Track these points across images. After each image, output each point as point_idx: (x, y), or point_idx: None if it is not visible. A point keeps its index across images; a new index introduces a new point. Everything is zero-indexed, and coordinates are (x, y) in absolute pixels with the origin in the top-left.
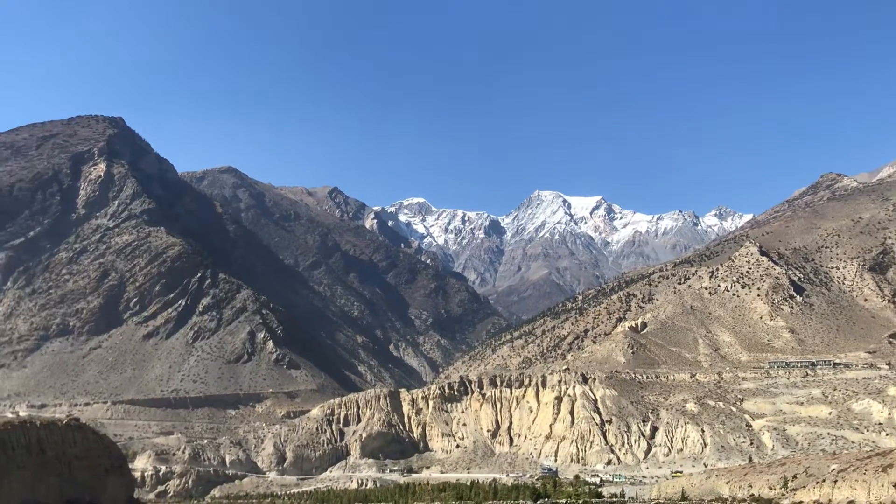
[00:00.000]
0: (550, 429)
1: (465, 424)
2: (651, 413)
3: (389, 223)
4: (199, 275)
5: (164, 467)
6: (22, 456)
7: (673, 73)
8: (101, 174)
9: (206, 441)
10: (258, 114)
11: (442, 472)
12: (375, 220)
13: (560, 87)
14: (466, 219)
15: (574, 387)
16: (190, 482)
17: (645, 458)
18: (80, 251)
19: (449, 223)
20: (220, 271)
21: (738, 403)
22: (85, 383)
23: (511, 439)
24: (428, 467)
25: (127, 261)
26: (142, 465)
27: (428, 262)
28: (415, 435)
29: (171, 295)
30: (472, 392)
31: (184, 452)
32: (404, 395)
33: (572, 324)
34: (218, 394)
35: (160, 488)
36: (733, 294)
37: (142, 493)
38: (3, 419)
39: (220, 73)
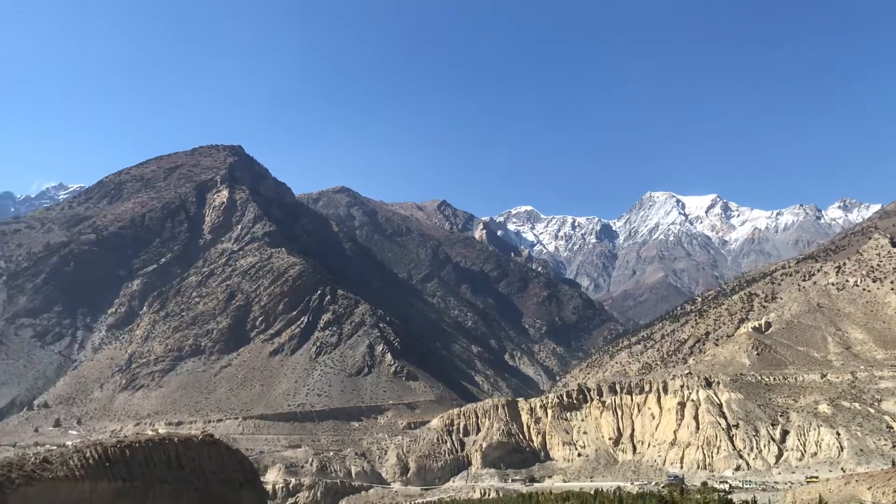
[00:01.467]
0: (674, 435)
1: (585, 432)
2: (780, 416)
3: (499, 233)
4: (319, 292)
5: (293, 480)
6: (163, 471)
7: (782, 63)
8: (224, 201)
9: (331, 453)
10: (368, 134)
11: (564, 481)
12: (485, 231)
13: (668, 86)
14: (577, 224)
15: (697, 391)
16: (318, 494)
17: (776, 463)
18: (208, 275)
19: (559, 230)
20: (338, 288)
21: (876, 404)
22: (217, 400)
23: (634, 447)
24: (550, 476)
25: (252, 282)
26: (272, 478)
27: (539, 269)
28: (535, 444)
29: (294, 312)
30: (592, 399)
31: (311, 465)
32: (522, 404)
33: (692, 326)
34: (341, 406)
35: (290, 500)
36: (864, 289)
37: None
38: (145, 437)
39: (330, 98)
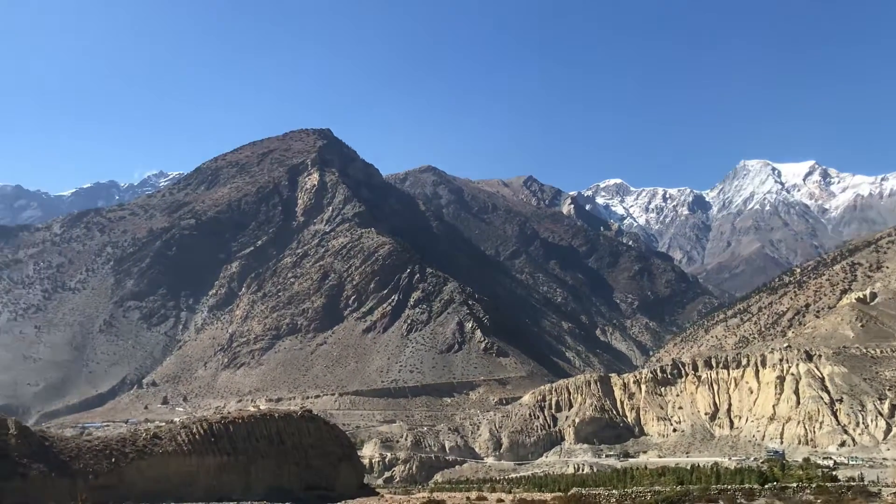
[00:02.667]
0: (774, 410)
1: (680, 408)
2: (888, 390)
3: (587, 207)
4: (409, 270)
5: (389, 454)
6: (265, 445)
7: (882, 17)
8: (315, 183)
9: (425, 428)
10: (453, 112)
11: (659, 457)
12: (572, 206)
13: (759, 50)
14: (668, 196)
15: (797, 365)
16: (414, 468)
17: (884, 438)
18: (302, 256)
19: (649, 202)
20: (427, 266)
21: None
22: (314, 377)
23: (731, 422)
24: (644, 452)
25: (343, 262)
26: (369, 452)
27: (630, 243)
28: (629, 419)
29: (385, 291)
30: (687, 374)
31: (406, 440)
32: (615, 379)
33: (791, 298)
34: (433, 383)
35: (387, 474)
36: None
37: (371, 479)
38: (247, 413)
39: (414, 78)
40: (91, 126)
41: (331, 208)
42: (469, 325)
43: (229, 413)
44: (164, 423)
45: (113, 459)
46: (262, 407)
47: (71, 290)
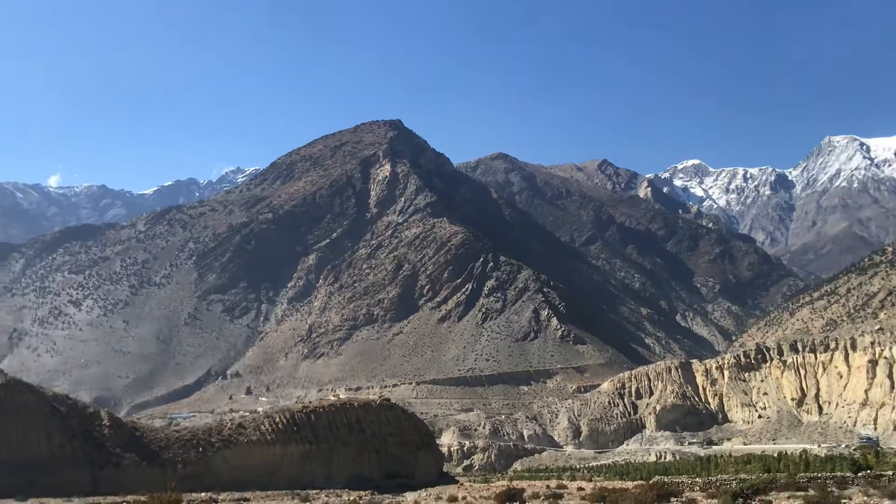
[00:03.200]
0: (866, 395)
1: (765, 393)
2: None
3: (664, 190)
4: (482, 259)
5: (467, 442)
6: (346, 434)
7: None
8: (387, 174)
9: (503, 417)
10: (523, 98)
11: (744, 444)
12: (649, 189)
13: (840, 21)
14: (749, 176)
15: (891, 348)
16: (492, 456)
17: None
18: (377, 247)
19: (729, 183)
20: (500, 254)
21: None
22: (391, 366)
23: (819, 407)
24: (728, 439)
25: (417, 252)
26: (447, 440)
27: (710, 226)
28: (711, 406)
29: (459, 280)
30: (772, 359)
31: (484, 428)
32: (697, 365)
33: (882, 279)
34: (510, 371)
35: (465, 462)
36: None
37: (449, 468)
38: (327, 402)
39: (483, 65)
40: (171, 126)
41: (403, 199)
42: (545, 312)
43: (310, 402)
44: (248, 413)
45: (200, 449)
46: (341, 396)
47: (156, 286)
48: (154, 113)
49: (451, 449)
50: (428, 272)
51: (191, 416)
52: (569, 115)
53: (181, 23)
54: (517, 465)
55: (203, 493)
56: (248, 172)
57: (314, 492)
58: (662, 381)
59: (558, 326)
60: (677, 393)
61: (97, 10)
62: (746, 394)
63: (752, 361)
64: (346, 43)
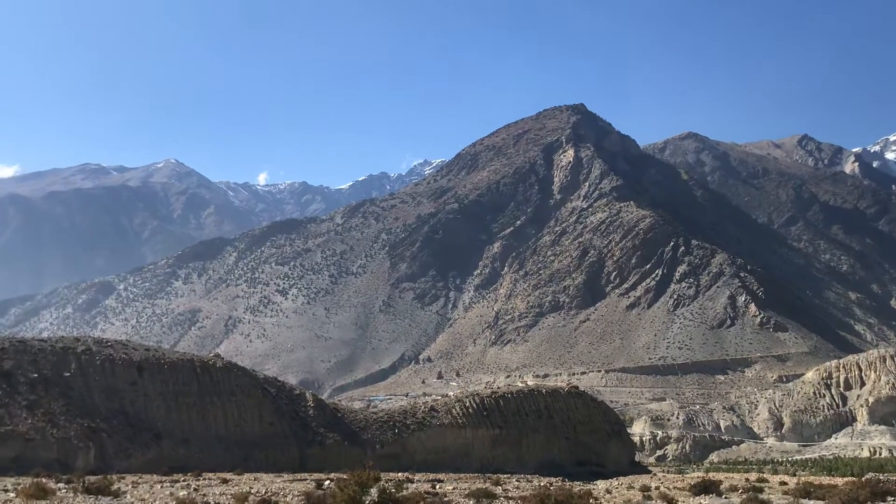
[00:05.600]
0: None
1: None
2: None
3: (874, 164)
4: (672, 243)
5: (660, 432)
6: (534, 420)
7: None
8: (571, 160)
9: (697, 406)
10: (712, 73)
11: None
12: (857, 164)
13: None
14: None
15: None
16: (687, 447)
17: None
18: (561, 233)
19: None
20: (692, 238)
21: None
22: (578, 353)
23: None
24: None
25: (603, 237)
26: (639, 430)
27: None
28: None
29: (648, 266)
30: None
31: (678, 418)
32: None
33: None
34: (704, 359)
35: (658, 452)
36: None
37: (641, 458)
38: (515, 388)
39: (666, 41)
40: (363, 124)
41: (587, 184)
42: (741, 298)
43: (499, 388)
44: (439, 397)
45: (396, 430)
46: (529, 383)
47: (353, 275)
48: (348, 113)
49: (643, 438)
50: (615, 258)
51: (387, 398)
52: (763, 89)
53: (374, 32)
54: (713, 457)
55: (399, 473)
56: (434, 164)
57: (505, 476)
58: (876, 371)
59: (757, 313)
60: (893, 384)
61: (308, 17)
62: None
63: None
64: (528, 30)
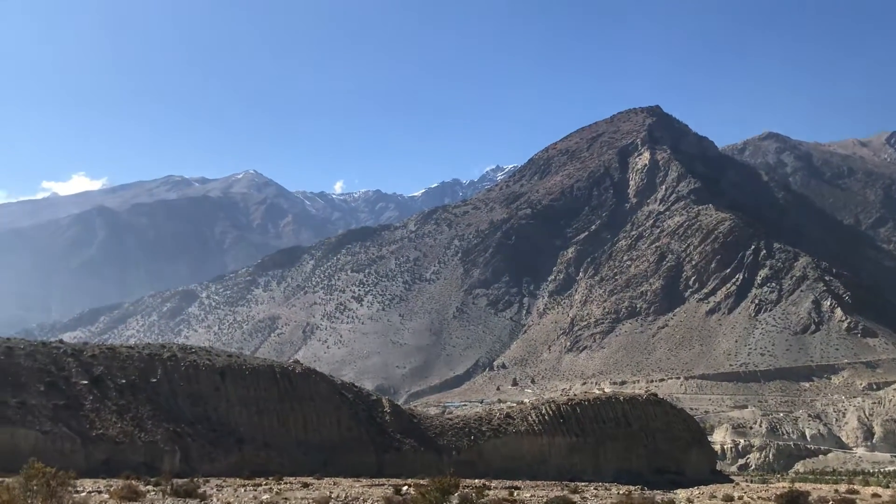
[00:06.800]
0: None
1: None
2: None
3: None
4: (753, 247)
5: (742, 440)
6: (612, 428)
7: None
8: (647, 163)
9: (781, 414)
10: (792, 72)
11: None
12: None
13: None
14: None
15: None
16: (770, 456)
17: None
18: (637, 237)
19: None
20: (774, 241)
21: None
22: (657, 360)
23: None
24: None
25: (681, 241)
26: (720, 438)
27: None
28: None
29: (728, 270)
30: None
31: (760, 426)
32: None
33: None
34: (788, 366)
35: (740, 461)
36: None
37: (723, 466)
38: (592, 395)
39: (742, 40)
40: (435, 131)
41: (664, 187)
42: (827, 303)
43: (575, 395)
44: (514, 404)
45: (472, 437)
46: (606, 390)
47: (427, 281)
48: (421, 121)
49: (724, 447)
50: (693, 262)
51: (462, 405)
52: (848, 86)
53: (445, 41)
54: (799, 467)
55: (476, 480)
56: (506, 170)
57: (583, 484)
58: None
59: (843, 318)
60: None
61: (381, 29)
62: None
63: None
64: (600, 33)
